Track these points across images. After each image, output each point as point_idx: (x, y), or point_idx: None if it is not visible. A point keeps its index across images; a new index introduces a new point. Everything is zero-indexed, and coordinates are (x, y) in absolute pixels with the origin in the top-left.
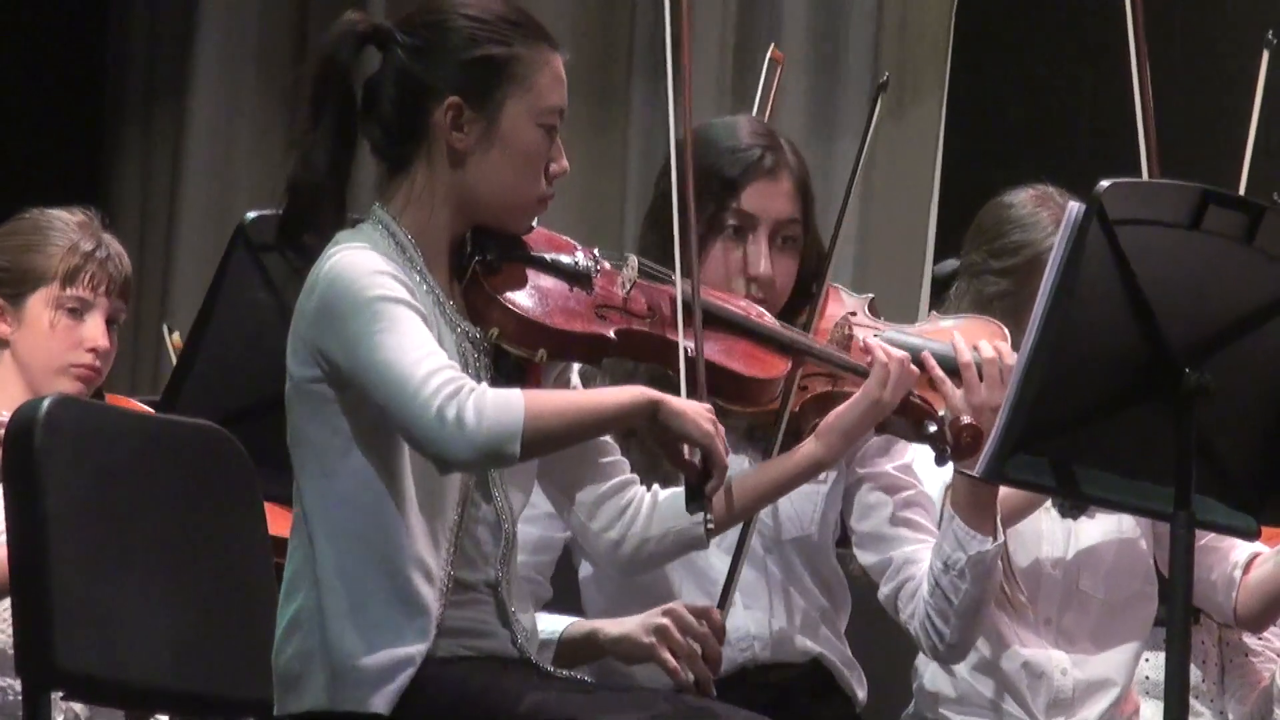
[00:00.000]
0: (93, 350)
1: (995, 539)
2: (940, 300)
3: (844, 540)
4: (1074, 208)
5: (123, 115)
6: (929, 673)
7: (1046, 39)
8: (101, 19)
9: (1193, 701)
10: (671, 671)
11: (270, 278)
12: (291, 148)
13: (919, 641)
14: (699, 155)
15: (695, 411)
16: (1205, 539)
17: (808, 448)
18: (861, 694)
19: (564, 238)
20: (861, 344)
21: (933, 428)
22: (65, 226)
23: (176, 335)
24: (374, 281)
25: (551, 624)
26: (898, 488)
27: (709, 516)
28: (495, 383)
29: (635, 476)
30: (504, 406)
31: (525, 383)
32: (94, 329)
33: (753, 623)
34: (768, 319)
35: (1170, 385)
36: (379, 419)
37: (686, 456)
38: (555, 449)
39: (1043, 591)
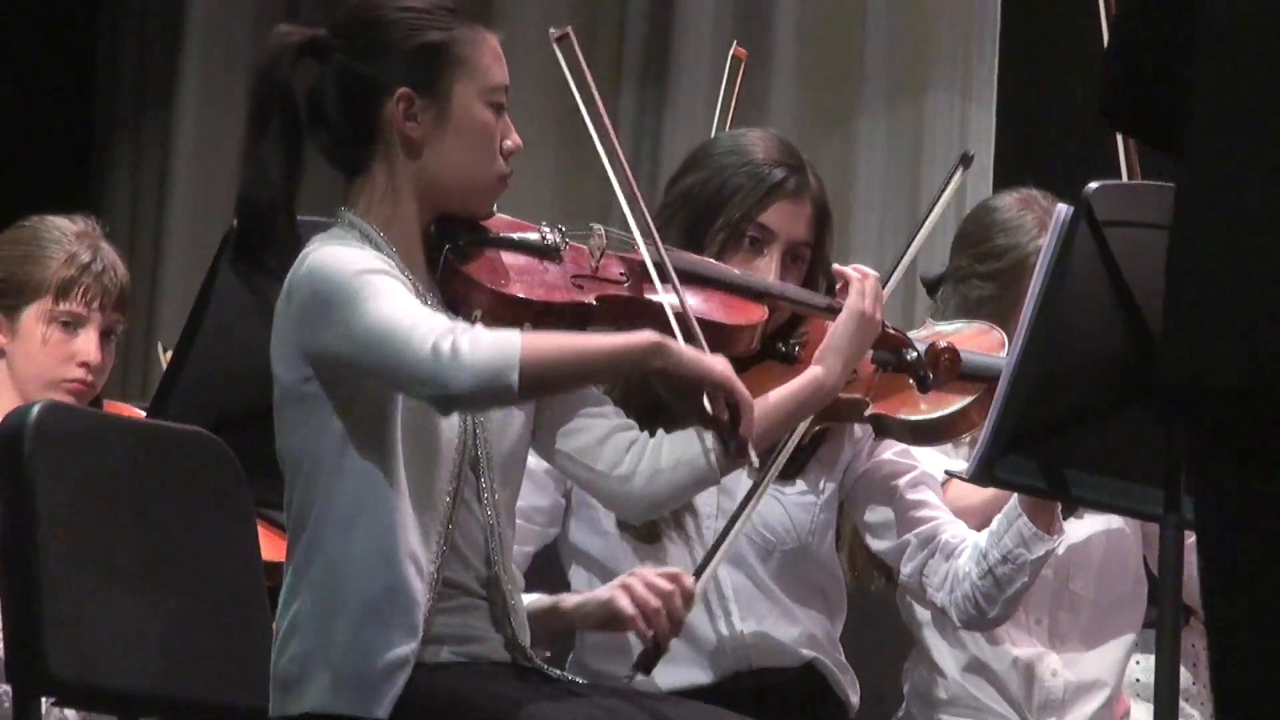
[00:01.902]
0: (84, 365)
1: (1058, 536)
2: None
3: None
4: (1062, 210)
5: (112, 122)
6: (919, 675)
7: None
8: (91, 27)
9: (1182, 704)
10: (629, 620)
11: (258, 285)
12: (238, 167)
13: (950, 612)
14: (727, 161)
15: (708, 356)
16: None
17: (810, 371)
18: (854, 699)
19: (525, 222)
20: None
21: (913, 354)
22: (63, 237)
23: (169, 353)
24: (354, 259)
25: None
26: (901, 471)
27: (753, 457)
28: None
29: (634, 423)
30: (500, 338)
31: None
32: (86, 343)
33: (747, 628)
34: (735, 270)
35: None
36: (374, 403)
37: (708, 407)
38: (556, 386)
39: (1034, 592)
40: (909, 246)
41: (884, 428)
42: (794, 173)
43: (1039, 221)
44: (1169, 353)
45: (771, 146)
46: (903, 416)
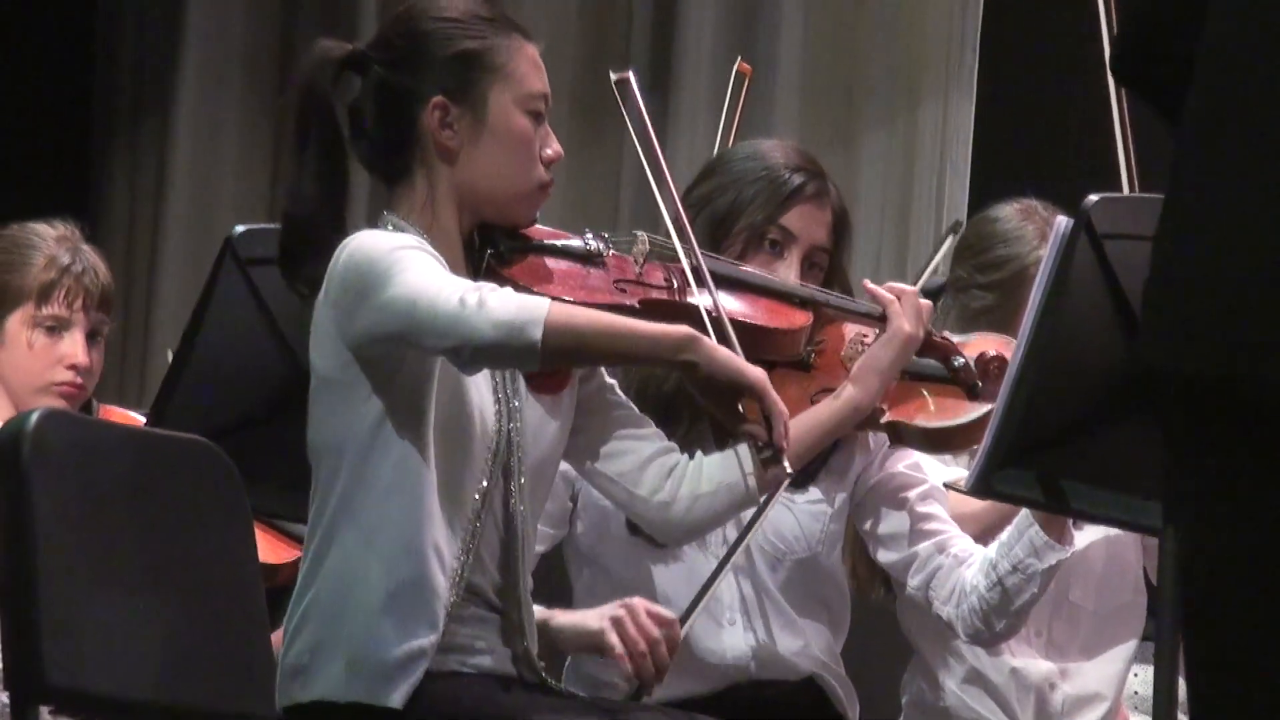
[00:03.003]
0: (73, 367)
1: (1069, 547)
2: None
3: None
4: (1062, 222)
5: (110, 128)
6: (917, 686)
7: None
8: (88, 33)
9: (1180, 717)
10: (618, 658)
11: (259, 291)
12: (280, 183)
13: (956, 626)
14: (747, 166)
15: (744, 361)
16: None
17: (846, 391)
18: (854, 715)
19: (565, 231)
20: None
21: (960, 360)
22: (42, 242)
23: None
24: (389, 239)
25: None
26: (911, 484)
27: (786, 466)
28: (523, 375)
29: (674, 445)
30: (529, 298)
31: (554, 373)
32: (72, 345)
33: (748, 639)
34: (780, 280)
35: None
36: (408, 393)
37: (741, 413)
38: (580, 355)
39: None
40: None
41: (899, 435)
42: (814, 178)
43: (1039, 232)
44: (1149, 340)
45: (790, 153)
46: (919, 424)
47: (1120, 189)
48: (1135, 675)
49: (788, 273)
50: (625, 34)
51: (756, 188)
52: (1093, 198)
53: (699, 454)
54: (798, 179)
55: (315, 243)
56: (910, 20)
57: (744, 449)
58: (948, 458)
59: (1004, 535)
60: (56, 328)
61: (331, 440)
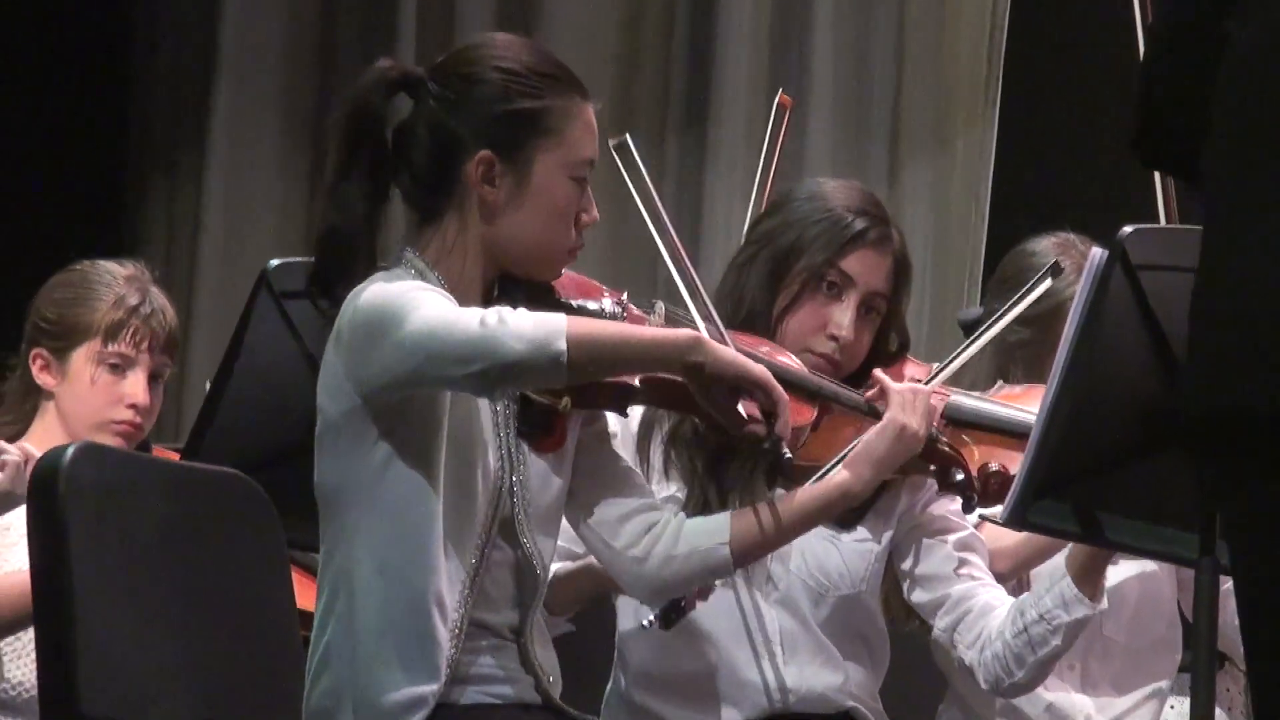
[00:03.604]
0: (133, 406)
1: (1099, 604)
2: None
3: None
4: (1096, 253)
5: (146, 163)
6: (952, 718)
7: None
8: (123, 65)
9: None
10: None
11: (294, 325)
12: (324, 196)
13: (977, 672)
14: (810, 207)
15: (745, 356)
16: (1230, 581)
17: (838, 477)
18: None
19: (593, 282)
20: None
21: (959, 475)
22: (112, 280)
23: None
24: (404, 285)
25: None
26: (951, 529)
27: (786, 452)
28: (521, 435)
29: (663, 504)
30: (544, 314)
31: (552, 434)
32: (134, 385)
33: (789, 673)
34: (795, 364)
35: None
36: (415, 440)
37: (741, 412)
38: (601, 365)
39: None
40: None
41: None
42: (877, 223)
43: (1075, 265)
44: (1193, 380)
45: (854, 195)
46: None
47: (1157, 220)
48: (1172, 708)
49: (843, 317)
50: (663, 72)
51: (818, 229)
52: (1127, 229)
53: (682, 515)
54: (860, 223)
55: (352, 263)
56: (942, 54)
57: (723, 517)
58: None
59: (1036, 586)
60: (120, 366)
61: (338, 484)
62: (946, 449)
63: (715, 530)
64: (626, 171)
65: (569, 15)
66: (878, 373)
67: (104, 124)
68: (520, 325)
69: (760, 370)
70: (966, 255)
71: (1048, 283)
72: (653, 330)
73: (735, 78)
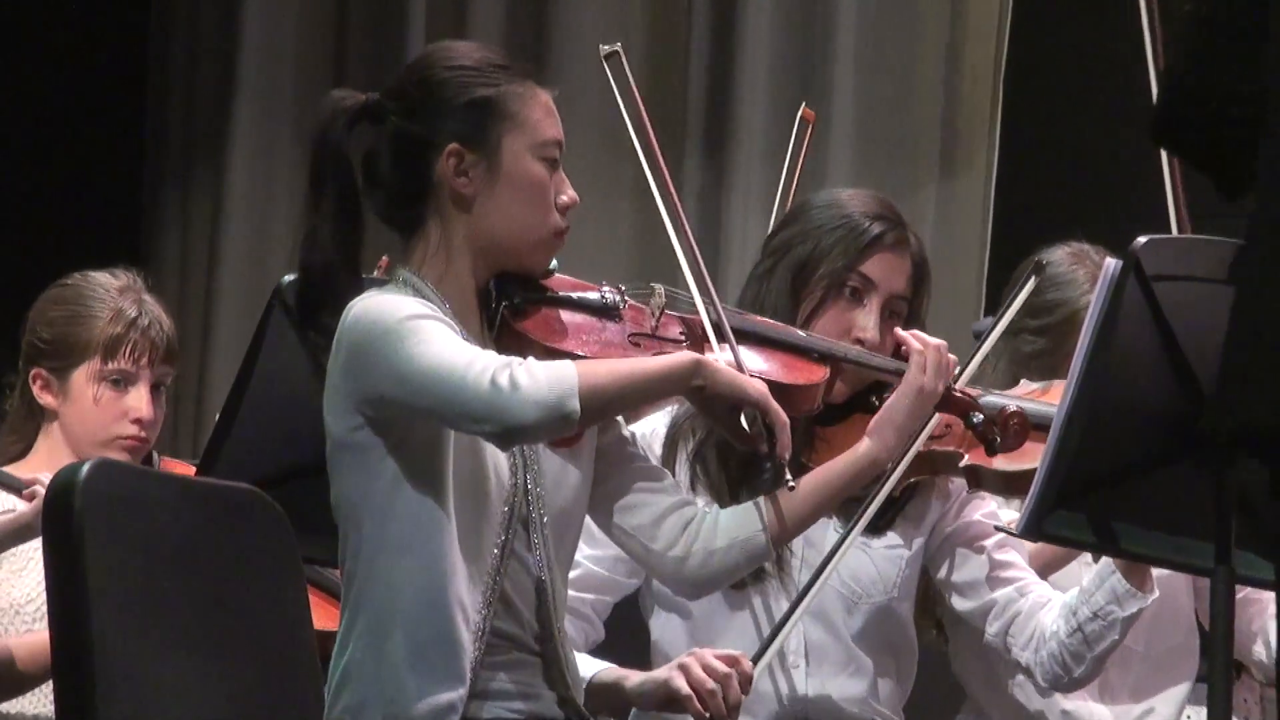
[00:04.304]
0: (137, 421)
1: (1151, 594)
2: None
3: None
4: (1111, 264)
5: (162, 178)
6: None
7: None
8: (140, 82)
9: None
10: (685, 699)
11: (308, 340)
12: (298, 233)
13: (1035, 671)
14: (827, 214)
15: (745, 376)
16: (1245, 590)
17: (863, 446)
18: None
19: (584, 281)
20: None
21: (979, 417)
22: (106, 294)
23: None
24: (398, 304)
25: (584, 668)
26: (987, 533)
27: (789, 479)
28: None
29: (692, 497)
30: (555, 367)
31: None
32: (137, 399)
33: (811, 684)
34: (798, 330)
35: (1209, 440)
36: (423, 450)
37: (745, 428)
38: (612, 410)
39: None
40: (976, 353)
41: (979, 479)
42: (894, 226)
43: (1091, 276)
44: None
45: (870, 201)
46: (997, 468)
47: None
48: (1189, 718)
49: (867, 320)
50: (681, 89)
51: (836, 235)
52: (1141, 239)
53: (715, 508)
54: (878, 227)
55: (333, 292)
56: (959, 71)
57: (758, 504)
58: (999, 499)
59: (1085, 581)
60: (121, 381)
61: (352, 501)
62: (961, 395)
63: (751, 518)
64: (615, 84)
65: (584, 37)
66: (898, 330)
67: (121, 142)
68: (532, 389)
69: (757, 390)
70: (972, 274)
71: (1032, 282)
72: (655, 361)
73: (754, 98)
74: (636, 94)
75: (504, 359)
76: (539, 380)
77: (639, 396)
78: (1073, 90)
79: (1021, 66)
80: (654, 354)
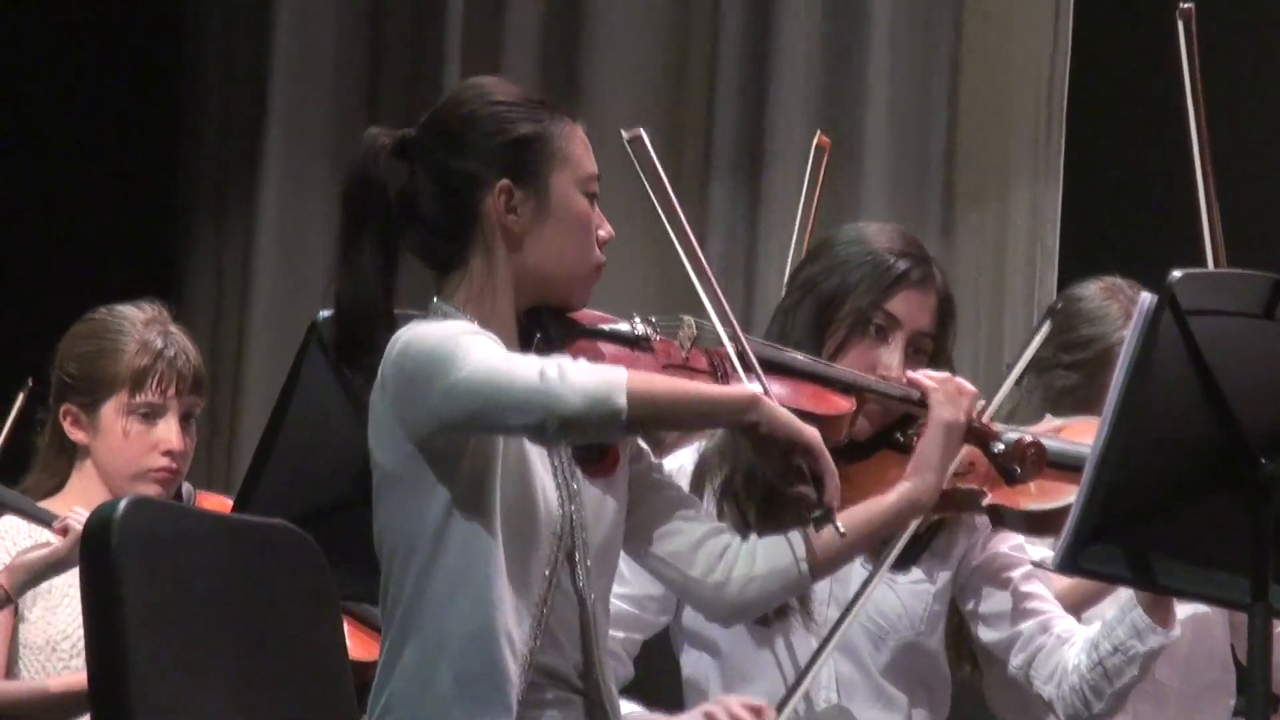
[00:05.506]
0: (168, 453)
1: (1173, 631)
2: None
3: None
4: (1146, 298)
5: (195, 212)
6: None
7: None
8: (173, 115)
9: None
10: None
11: (344, 376)
12: (337, 271)
13: (1056, 705)
14: (852, 251)
15: (801, 421)
16: None
17: (903, 487)
18: None
19: (613, 316)
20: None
21: (1000, 447)
22: (132, 327)
23: None
24: (443, 328)
25: None
26: (1014, 565)
27: (839, 526)
28: (576, 459)
29: (725, 525)
30: (605, 367)
31: (605, 458)
32: (168, 431)
33: (847, 717)
34: (824, 362)
35: (1246, 475)
36: (473, 482)
37: (795, 471)
38: (660, 421)
39: None
40: (996, 395)
41: (1001, 518)
42: (919, 263)
43: (1124, 311)
44: None
45: (895, 237)
46: (1020, 507)
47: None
48: None
49: (891, 358)
50: (706, 121)
51: (861, 272)
52: (1176, 273)
53: (752, 536)
54: (902, 264)
55: (371, 329)
56: (999, 99)
57: (795, 535)
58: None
59: (1108, 616)
60: (151, 414)
61: (400, 534)
62: (979, 426)
63: (790, 549)
64: (640, 166)
65: (615, 62)
66: (910, 374)
67: (153, 180)
68: (581, 379)
69: (811, 436)
70: (1026, 304)
71: (1047, 325)
72: (711, 387)
73: (786, 124)
74: (662, 174)
75: (553, 358)
76: (587, 374)
77: (691, 416)
78: (1127, 127)
79: (1071, 99)
80: None
